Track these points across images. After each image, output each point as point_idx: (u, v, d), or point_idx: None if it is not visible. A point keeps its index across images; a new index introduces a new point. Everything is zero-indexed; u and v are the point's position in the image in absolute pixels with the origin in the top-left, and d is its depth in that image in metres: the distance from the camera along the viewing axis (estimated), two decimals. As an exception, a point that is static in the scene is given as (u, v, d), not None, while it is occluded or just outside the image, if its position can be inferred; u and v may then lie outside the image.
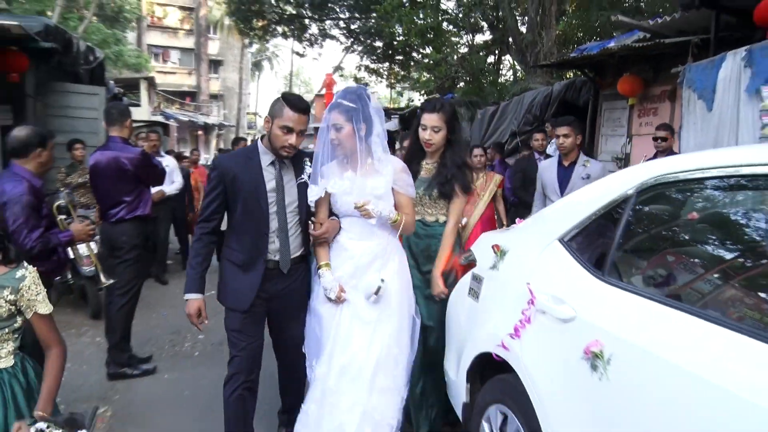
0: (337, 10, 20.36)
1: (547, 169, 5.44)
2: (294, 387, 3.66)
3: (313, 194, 3.28)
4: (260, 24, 21.43)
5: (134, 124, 5.62)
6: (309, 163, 3.30)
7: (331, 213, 3.37)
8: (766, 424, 1.62)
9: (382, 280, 3.19)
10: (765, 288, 2.08)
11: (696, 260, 2.49)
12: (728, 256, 2.38)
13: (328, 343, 3.21)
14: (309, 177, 3.30)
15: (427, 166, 3.69)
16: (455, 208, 3.61)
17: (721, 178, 2.26)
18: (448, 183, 3.57)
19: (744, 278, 2.25)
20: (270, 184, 3.20)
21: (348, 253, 3.29)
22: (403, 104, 27.24)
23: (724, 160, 2.24)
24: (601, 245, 2.64)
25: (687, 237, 2.65)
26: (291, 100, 3.10)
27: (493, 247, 3.21)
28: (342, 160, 3.32)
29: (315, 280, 3.40)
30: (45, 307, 2.47)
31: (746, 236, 2.35)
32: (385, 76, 22.14)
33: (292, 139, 3.08)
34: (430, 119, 3.58)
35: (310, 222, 3.32)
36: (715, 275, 2.39)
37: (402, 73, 21.30)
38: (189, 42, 43.13)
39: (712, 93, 5.83)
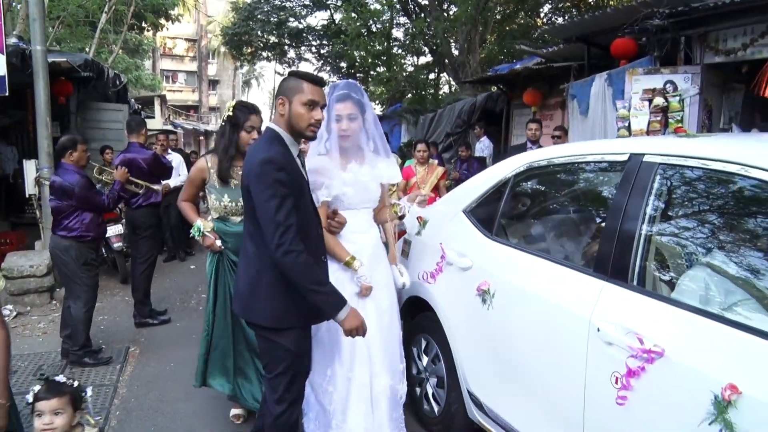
0: (310, 38, 20.24)
1: None
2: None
3: (336, 188, 2.60)
4: (249, 50, 21.07)
5: (149, 132, 5.77)
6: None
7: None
8: (581, 324, 1.92)
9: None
10: (589, 238, 2.35)
11: (551, 222, 2.75)
12: (574, 218, 2.64)
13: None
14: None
15: None
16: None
17: (565, 164, 2.51)
18: None
19: (577, 232, 2.53)
20: (305, 176, 2.33)
21: (356, 246, 2.64)
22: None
23: (565, 152, 2.49)
24: (490, 214, 2.81)
25: (545, 205, 2.89)
26: (306, 74, 2.26)
27: (417, 218, 3.32)
28: (333, 154, 2.65)
29: None
30: None
31: (582, 204, 2.63)
32: (349, 91, 22.11)
33: (318, 114, 2.19)
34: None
35: (333, 212, 2.62)
36: (563, 232, 2.66)
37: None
38: (193, 66, 42.32)
39: (587, 104, 6.14)
